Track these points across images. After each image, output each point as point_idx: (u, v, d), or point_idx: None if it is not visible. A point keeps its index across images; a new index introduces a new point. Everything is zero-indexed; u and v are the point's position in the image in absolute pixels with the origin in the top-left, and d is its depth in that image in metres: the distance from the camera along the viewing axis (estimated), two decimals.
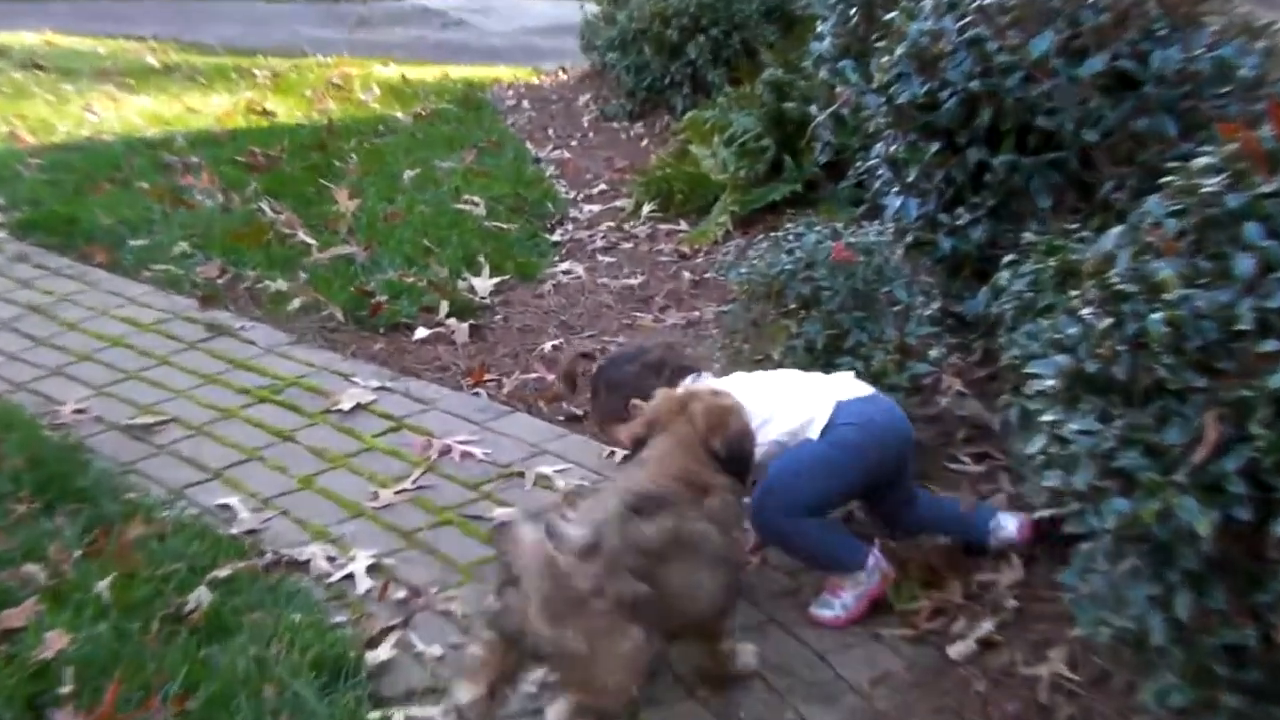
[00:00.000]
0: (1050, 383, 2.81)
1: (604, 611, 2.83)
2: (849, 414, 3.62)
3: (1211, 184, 2.67)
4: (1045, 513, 3.31)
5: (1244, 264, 2.48)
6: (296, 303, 5.89)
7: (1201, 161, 2.79)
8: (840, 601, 3.60)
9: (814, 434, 3.58)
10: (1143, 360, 2.57)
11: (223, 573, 3.78)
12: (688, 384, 3.71)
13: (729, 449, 3.28)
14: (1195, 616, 2.52)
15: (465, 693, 2.93)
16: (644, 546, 2.96)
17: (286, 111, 10.44)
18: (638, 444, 3.38)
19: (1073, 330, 2.78)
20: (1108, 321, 2.67)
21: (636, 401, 3.63)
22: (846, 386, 3.74)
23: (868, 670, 3.40)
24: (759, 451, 3.47)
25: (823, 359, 4.18)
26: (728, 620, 3.28)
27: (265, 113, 10.29)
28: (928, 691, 3.31)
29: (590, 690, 2.85)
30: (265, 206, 7.23)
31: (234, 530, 4.10)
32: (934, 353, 4.52)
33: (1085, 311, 2.79)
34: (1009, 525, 3.76)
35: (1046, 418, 2.79)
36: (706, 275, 6.34)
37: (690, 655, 3.32)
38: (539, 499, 4.25)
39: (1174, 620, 2.54)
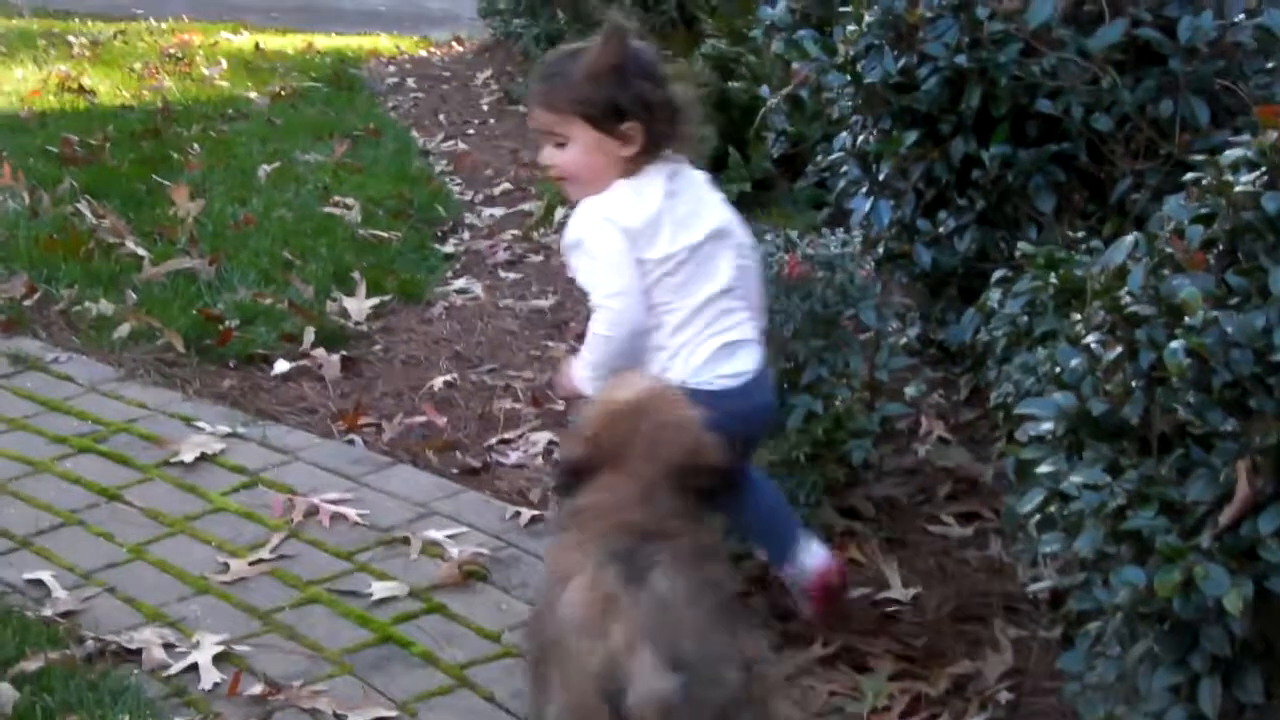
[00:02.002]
0: (1048, 426, 2.87)
1: None
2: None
3: (1246, 182, 2.74)
4: None
5: None
6: (124, 329, 5.87)
7: (1234, 154, 2.85)
8: None
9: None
10: (1160, 399, 2.63)
11: (31, 665, 3.74)
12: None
13: (709, 479, 3.18)
14: (1224, 711, 2.57)
15: None
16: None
17: (110, 90, 10.40)
18: (578, 472, 3.22)
19: (1075, 362, 2.84)
20: (1117, 351, 2.74)
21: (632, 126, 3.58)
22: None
23: None
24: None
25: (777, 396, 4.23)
26: None
27: (83, 91, 10.24)
28: None
29: None
30: (84, 209, 7.19)
31: (46, 612, 4.07)
32: (911, 390, 4.61)
33: (1091, 339, 2.85)
34: (810, 560, 3.84)
35: (1044, 469, 2.84)
36: None
37: None
38: (427, 571, 4.27)
39: (1199, 716, 2.60)
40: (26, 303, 6.18)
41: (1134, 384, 2.68)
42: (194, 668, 3.82)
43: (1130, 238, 2.93)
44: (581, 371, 3.62)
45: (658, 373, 3.58)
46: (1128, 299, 2.76)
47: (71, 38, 12.25)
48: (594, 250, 3.57)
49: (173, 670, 3.83)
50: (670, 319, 3.61)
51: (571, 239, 3.62)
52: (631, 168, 3.61)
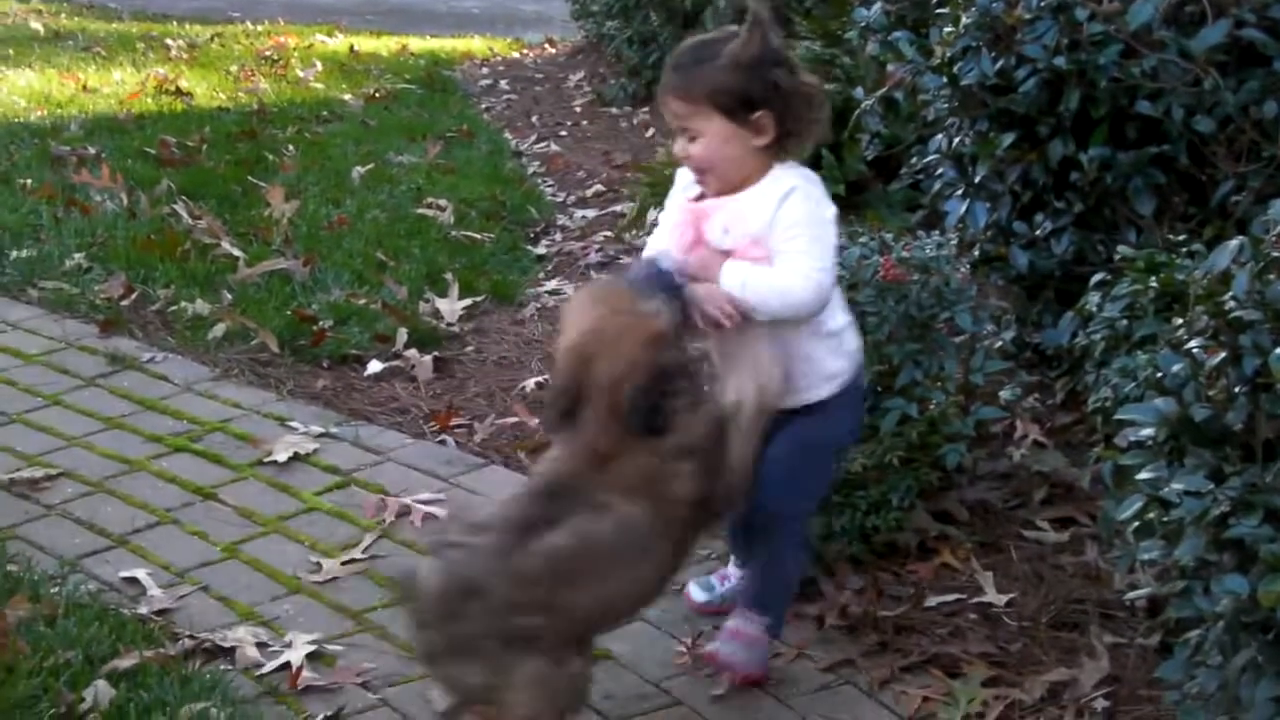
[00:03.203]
0: (1148, 432, 2.83)
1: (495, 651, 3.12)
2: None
3: None
4: None
5: None
6: (220, 329, 5.92)
7: None
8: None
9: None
10: (1265, 405, 2.59)
11: (126, 663, 3.77)
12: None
13: (632, 406, 3.24)
14: None
15: None
16: (534, 577, 3.13)
17: (207, 92, 10.49)
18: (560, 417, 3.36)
19: (1177, 367, 2.80)
20: (1221, 356, 2.70)
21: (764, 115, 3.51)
22: None
23: None
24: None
25: (868, 400, 4.20)
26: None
27: (180, 93, 10.34)
28: None
29: None
30: (180, 210, 7.26)
31: (141, 610, 4.11)
32: (1006, 394, 4.55)
33: (1193, 344, 2.81)
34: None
35: (1144, 475, 2.80)
36: None
37: None
38: None
39: None
40: (124, 302, 6.25)
41: (1238, 390, 2.64)
42: (287, 666, 3.84)
43: (1235, 242, 2.88)
44: (739, 289, 3.47)
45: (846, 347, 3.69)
46: (1232, 304, 2.72)
47: (169, 41, 12.38)
48: (827, 222, 3.53)
49: (265, 669, 3.85)
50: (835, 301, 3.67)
51: (805, 193, 3.53)
52: (768, 158, 3.55)
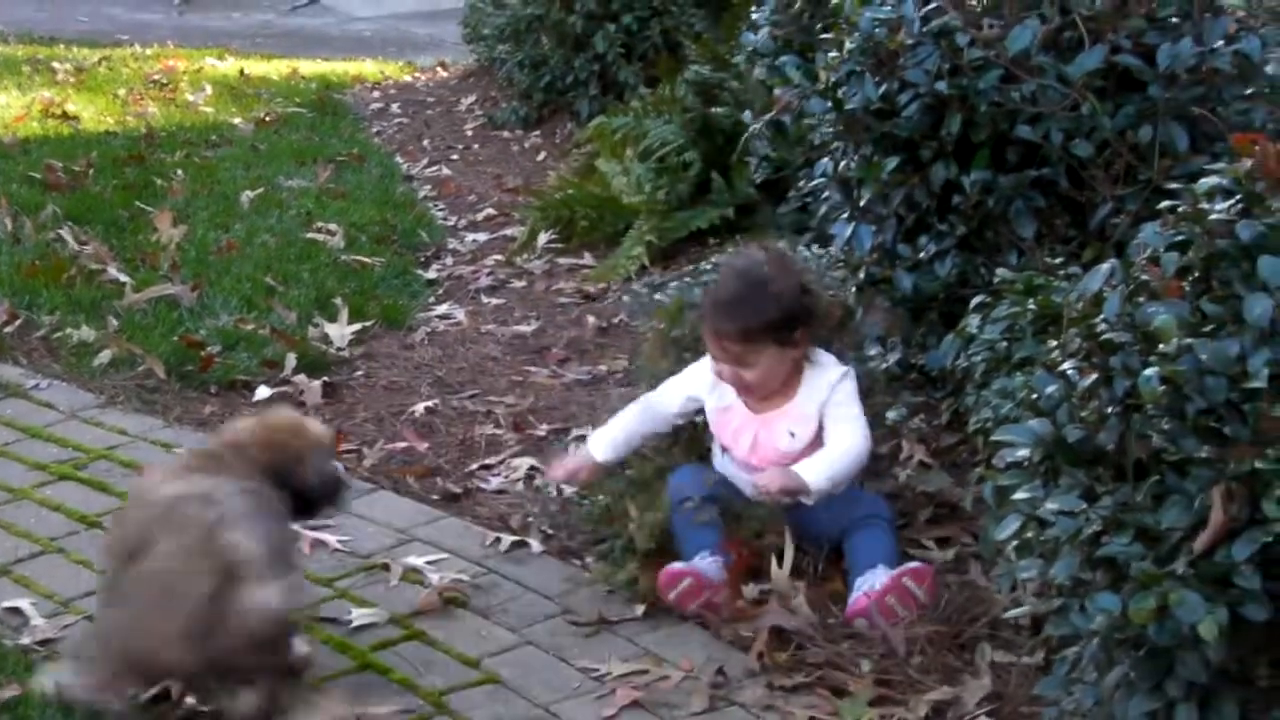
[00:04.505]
0: (1024, 453, 2.87)
1: None
2: None
3: (1220, 210, 2.75)
4: None
5: (1258, 308, 2.55)
6: (105, 356, 5.86)
7: (1209, 182, 2.86)
8: None
9: None
10: (1135, 426, 2.63)
11: (7, 694, 3.73)
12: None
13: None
14: None
15: None
16: None
17: (94, 116, 10.40)
18: None
19: (1051, 389, 2.85)
20: (1093, 378, 2.74)
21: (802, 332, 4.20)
22: None
23: None
24: None
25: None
26: None
27: (67, 117, 10.25)
28: None
29: None
30: (66, 235, 7.19)
31: (24, 640, 4.05)
32: (891, 414, 4.60)
33: (1067, 366, 2.85)
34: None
35: (1020, 495, 2.84)
36: (616, 320, 6.39)
37: None
38: (407, 597, 4.25)
39: None
40: (8, 329, 6.18)
41: (1109, 411, 2.69)
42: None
43: (1106, 265, 2.93)
44: (820, 481, 4.07)
45: None
46: (1103, 326, 2.77)
47: (56, 64, 12.24)
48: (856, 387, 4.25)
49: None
50: None
51: (847, 377, 4.24)
52: (800, 360, 4.22)
